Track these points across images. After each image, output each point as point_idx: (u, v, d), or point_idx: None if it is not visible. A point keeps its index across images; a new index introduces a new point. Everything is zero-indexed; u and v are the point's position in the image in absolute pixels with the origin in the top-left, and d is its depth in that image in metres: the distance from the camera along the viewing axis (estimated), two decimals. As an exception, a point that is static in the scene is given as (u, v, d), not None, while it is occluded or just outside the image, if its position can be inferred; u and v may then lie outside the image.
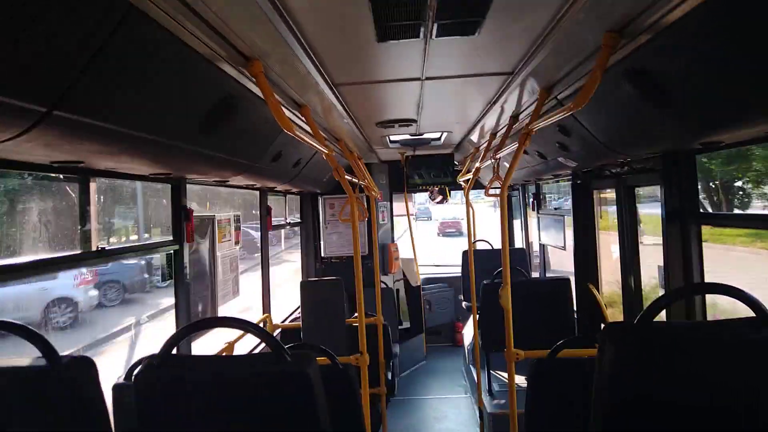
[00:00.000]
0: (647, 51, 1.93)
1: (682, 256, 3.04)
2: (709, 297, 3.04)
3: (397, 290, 7.62)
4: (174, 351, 1.57)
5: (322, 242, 7.37)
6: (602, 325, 4.67)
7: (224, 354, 3.52)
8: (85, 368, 1.47)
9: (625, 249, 4.03)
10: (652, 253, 4.01)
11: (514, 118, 3.72)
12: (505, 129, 3.93)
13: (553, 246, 6.14)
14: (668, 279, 3.13)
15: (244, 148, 3.13)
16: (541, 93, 2.89)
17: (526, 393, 2.40)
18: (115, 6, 1.38)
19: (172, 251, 3.37)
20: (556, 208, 6.42)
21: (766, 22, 1.41)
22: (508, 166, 5.26)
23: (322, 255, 7.39)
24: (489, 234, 9.47)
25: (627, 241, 4.00)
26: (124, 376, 2.64)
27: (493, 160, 4.21)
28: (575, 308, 5.01)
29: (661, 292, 3.37)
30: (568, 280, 5.03)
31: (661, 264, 3.37)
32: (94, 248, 2.59)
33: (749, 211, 5.37)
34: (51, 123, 1.50)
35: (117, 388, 2.54)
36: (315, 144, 2.83)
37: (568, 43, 2.15)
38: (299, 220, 7.20)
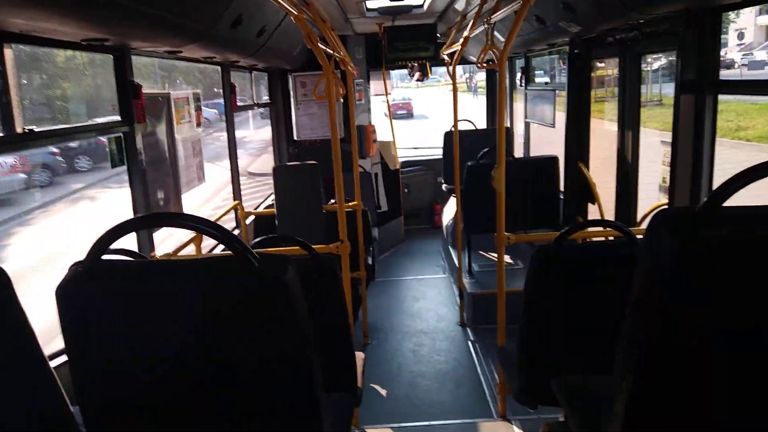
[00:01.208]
0: None
1: (694, 130, 2.75)
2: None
3: (376, 174, 7.35)
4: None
5: (294, 124, 6.90)
6: (589, 205, 4.51)
7: (184, 257, 3.24)
8: None
9: (625, 124, 3.72)
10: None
11: None
12: None
13: (540, 124, 5.81)
14: (675, 155, 2.87)
15: (197, 9, 2.62)
16: None
17: (528, 277, 2.20)
18: None
19: (121, 134, 2.95)
20: (546, 83, 6.01)
21: None
22: (500, 36, 4.77)
23: (295, 138, 6.95)
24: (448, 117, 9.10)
25: (628, 116, 3.68)
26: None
27: (485, 26, 3.72)
28: (561, 188, 4.83)
29: (663, 171, 3.13)
30: (556, 159, 4.80)
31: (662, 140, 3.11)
32: (19, 130, 2.17)
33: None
34: None
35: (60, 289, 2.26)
36: (282, 2, 2.35)
37: None
38: (268, 100, 6.66)
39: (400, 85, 43.86)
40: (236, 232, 4.72)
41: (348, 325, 2.40)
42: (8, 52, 2.19)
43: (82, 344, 1.21)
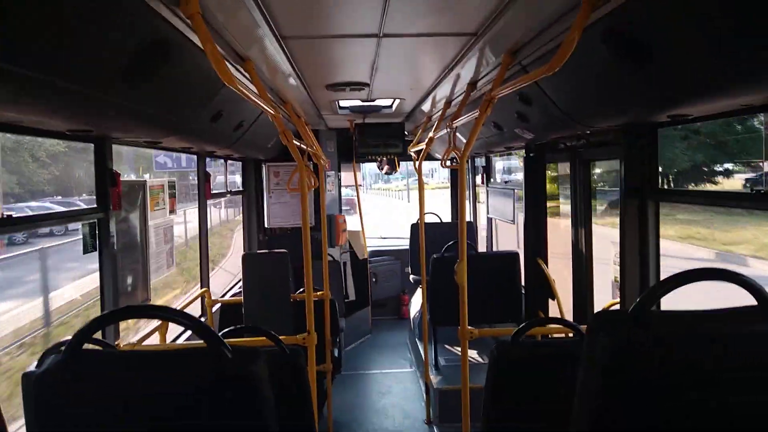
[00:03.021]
0: (631, 11, 1.78)
1: (639, 233, 2.99)
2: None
3: (344, 263, 7.44)
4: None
5: (265, 212, 7.04)
6: (549, 300, 4.67)
7: (151, 346, 3.22)
8: None
9: (578, 224, 3.98)
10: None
11: (472, 85, 3.54)
12: (461, 97, 3.75)
13: (501, 220, 6.09)
14: (623, 257, 3.08)
15: (179, 104, 2.80)
16: (505, 58, 2.71)
17: (488, 374, 2.27)
18: None
19: (95, 220, 3.02)
20: (506, 182, 6.37)
21: None
22: (462, 137, 5.13)
23: (266, 225, 7.07)
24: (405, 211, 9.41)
25: (579, 217, 3.94)
26: (35, 363, 2.32)
27: (448, 130, 4.03)
28: (523, 283, 4.99)
29: (615, 270, 3.33)
30: (516, 255, 5.00)
31: (614, 241, 3.33)
32: (-3, 215, 2.23)
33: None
34: None
35: (27, 378, 2.22)
36: (260, 103, 2.55)
37: (540, 1, 1.97)
38: (241, 189, 6.83)
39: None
40: (203, 319, 4.68)
41: (312, 423, 2.38)
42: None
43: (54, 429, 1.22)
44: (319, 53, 2.93)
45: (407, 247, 7.95)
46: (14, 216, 2.32)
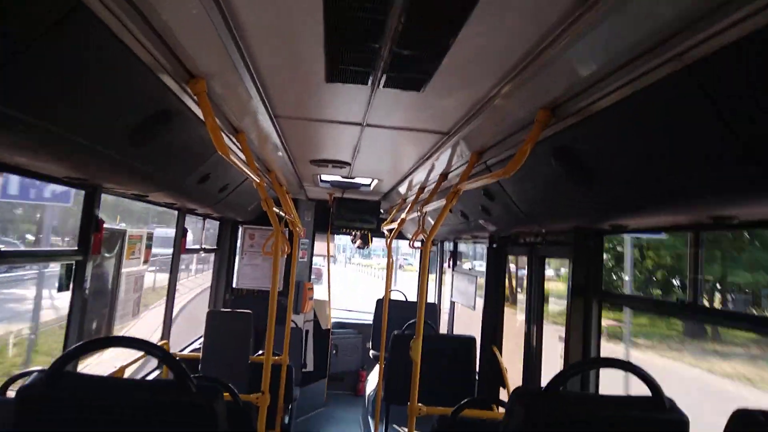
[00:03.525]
0: (575, 131, 2.10)
1: (582, 329, 3.22)
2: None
3: (306, 331, 7.47)
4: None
5: (235, 272, 7.13)
6: (501, 388, 4.79)
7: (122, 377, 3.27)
8: None
9: (531, 316, 4.20)
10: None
11: (444, 176, 3.86)
12: (433, 185, 4.06)
13: (463, 305, 6.29)
14: (567, 350, 3.29)
15: (172, 165, 3.03)
16: (473, 156, 3.04)
17: None
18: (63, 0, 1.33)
19: (74, 261, 3.14)
20: (470, 269, 6.62)
21: (681, 125, 1.58)
22: (432, 221, 5.42)
23: (234, 285, 7.14)
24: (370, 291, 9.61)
25: (533, 309, 4.18)
26: None
27: (418, 213, 4.32)
28: (477, 368, 5.12)
29: (561, 361, 3.53)
30: (474, 340, 5.15)
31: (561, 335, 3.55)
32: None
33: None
34: None
35: None
36: (248, 171, 2.79)
37: (503, 113, 2.29)
38: (215, 247, 6.95)
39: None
40: (158, 372, 4.68)
41: None
42: (-4, 179, 2.46)
43: None
44: (306, 132, 3.21)
45: (371, 322, 8.03)
46: (2, 249, 2.45)
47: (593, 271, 3.21)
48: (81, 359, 3.25)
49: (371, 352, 7.70)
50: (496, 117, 2.35)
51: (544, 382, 4.27)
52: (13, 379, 2.40)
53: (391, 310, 5.46)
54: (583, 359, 1.43)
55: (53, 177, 2.80)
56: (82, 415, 1.33)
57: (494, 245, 4.81)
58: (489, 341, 4.85)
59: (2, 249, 2.41)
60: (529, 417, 1.31)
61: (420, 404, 3.27)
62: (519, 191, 3.10)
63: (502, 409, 3.42)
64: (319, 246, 8.44)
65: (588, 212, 2.67)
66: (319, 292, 8.05)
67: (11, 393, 2.35)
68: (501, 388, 4.78)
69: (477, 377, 5.11)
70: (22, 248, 5.42)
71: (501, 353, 4.83)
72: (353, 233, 7.86)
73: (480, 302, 5.28)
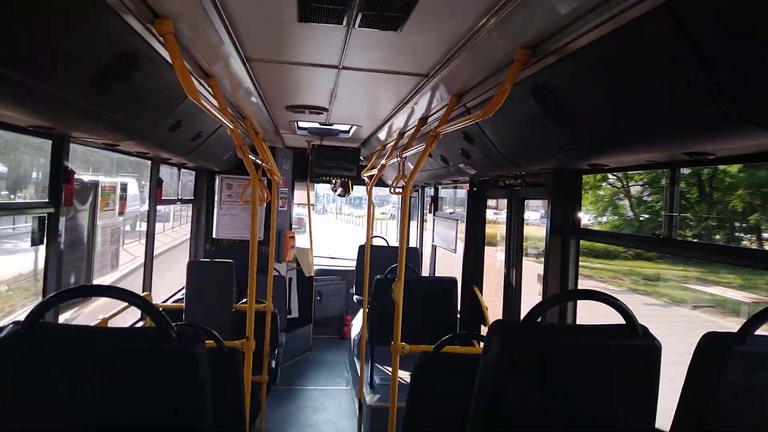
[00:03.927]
0: (554, 71, 2.06)
1: (560, 266, 3.29)
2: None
3: (290, 279, 7.53)
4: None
5: (214, 223, 7.08)
6: (482, 326, 4.94)
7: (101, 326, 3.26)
8: None
9: (510, 257, 4.28)
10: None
11: (423, 120, 3.81)
12: (413, 130, 4.01)
13: (444, 248, 6.37)
14: (545, 286, 3.37)
15: (141, 111, 2.92)
16: (452, 99, 2.99)
17: (409, 386, 2.47)
18: None
19: (45, 214, 3.07)
20: (450, 212, 6.67)
21: (659, 63, 1.56)
22: (412, 166, 5.39)
23: (214, 236, 7.10)
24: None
25: (513, 250, 4.25)
26: None
27: (399, 159, 4.28)
28: (459, 308, 5.25)
29: (539, 298, 3.63)
30: (455, 281, 5.25)
31: (539, 273, 3.63)
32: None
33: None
34: None
35: None
36: (220, 117, 2.71)
37: (482, 53, 2.24)
38: (192, 198, 6.86)
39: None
40: (141, 322, 4.69)
41: (244, 430, 2.48)
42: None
43: (11, 395, 1.33)
44: (281, 76, 3.12)
45: (353, 268, 8.12)
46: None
47: (571, 209, 3.24)
48: (61, 311, 3.23)
49: (355, 297, 7.82)
50: (475, 57, 2.30)
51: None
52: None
53: (373, 255, 5.50)
54: (557, 294, 1.48)
55: (18, 126, 2.69)
56: (61, 364, 1.33)
57: (474, 189, 4.82)
58: (469, 281, 4.94)
59: None
60: (506, 346, 1.35)
61: (403, 343, 3.35)
62: (498, 133, 3.08)
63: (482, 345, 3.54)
64: (301, 195, 8.40)
65: (567, 152, 2.67)
66: (303, 241, 8.07)
67: None
68: (482, 326, 4.92)
69: (459, 316, 5.24)
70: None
71: (482, 293, 4.94)
72: (333, 181, 7.81)
73: (461, 246, 5.36)
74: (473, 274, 4.96)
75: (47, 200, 3.09)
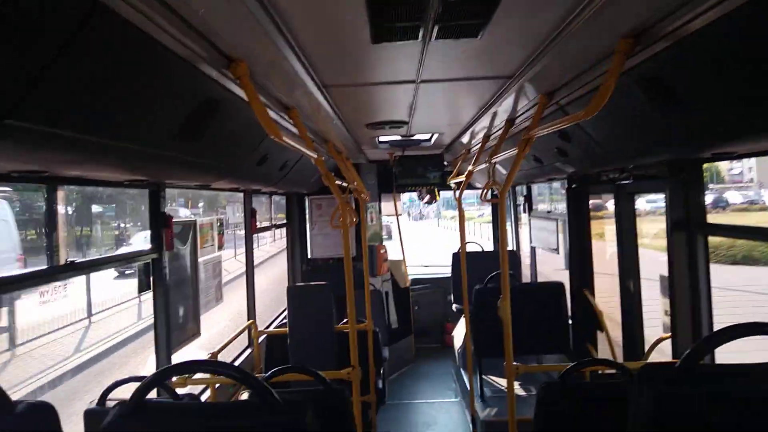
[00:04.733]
0: (664, 59, 1.80)
1: (688, 267, 2.92)
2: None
3: (386, 292, 7.48)
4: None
5: (308, 243, 7.19)
6: (597, 332, 4.57)
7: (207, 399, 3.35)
8: (43, 415, 1.30)
9: (624, 257, 3.91)
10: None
11: (511, 122, 3.57)
12: (500, 132, 3.79)
13: (545, 249, 6.02)
14: (673, 291, 3.02)
15: (228, 152, 2.95)
16: (541, 98, 2.75)
17: (536, 413, 2.27)
18: (76, 2, 1.20)
19: (150, 260, 3.18)
20: (548, 212, 6.30)
21: None
22: (502, 169, 5.13)
23: (309, 256, 7.21)
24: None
25: (626, 249, 3.87)
26: (97, 400, 2.45)
27: (487, 164, 4.06)
28: (569, 314, 4.90)
29: (664, 304, 3.26)
30: (562, 285, 4.91)
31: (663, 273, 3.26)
32: (62, 261, 2.39)
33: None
34: (3, 133, 1.32)
35: (90, 415, 2.35)
36: (303, 149, 2.66)
37: (575, 48, 2.01)
38: (285, 221, 7.01)
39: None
40: (249, 350, 4.80)
41: None
42: (60, 194, 2.47)
43: None
44: (358, 98, 3.03)
45: (449, 275, 7.93)
46: (77, 261, 2.48)
47: (695, 202, 2.87)
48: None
49: (454, 306, 7.62)
50: (566, 53, 2.07)
51: (646, 328, 4.02)
52: (110, 389, 2.47)
53: (468, 262, 5.29)
54: (729, 326, 1.17)
55: (116, 182, 2.80)
56: None
57: (573, 186, 4.48)
58: (579, 285, 4.59)
59: (76, 261, 2.44)
60: (660, 398, 1.12)
61: (516, 363, 3.13)
62: (599, 129, 2.79)
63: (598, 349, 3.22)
64: (390, 206, 8.34)
65: (682, 142, 2.35)
66: (391, 246, 8.00)
67: (110, 402, 2.42)
68: (597, 332, 4.55)
69: (570, 323, 4.90)
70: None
71: (594, 295, 4.57)
72: (419, 190, 7.68)
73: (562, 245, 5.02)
74: (582, 276, 4.60)
75: (150, 247, 3.20)
